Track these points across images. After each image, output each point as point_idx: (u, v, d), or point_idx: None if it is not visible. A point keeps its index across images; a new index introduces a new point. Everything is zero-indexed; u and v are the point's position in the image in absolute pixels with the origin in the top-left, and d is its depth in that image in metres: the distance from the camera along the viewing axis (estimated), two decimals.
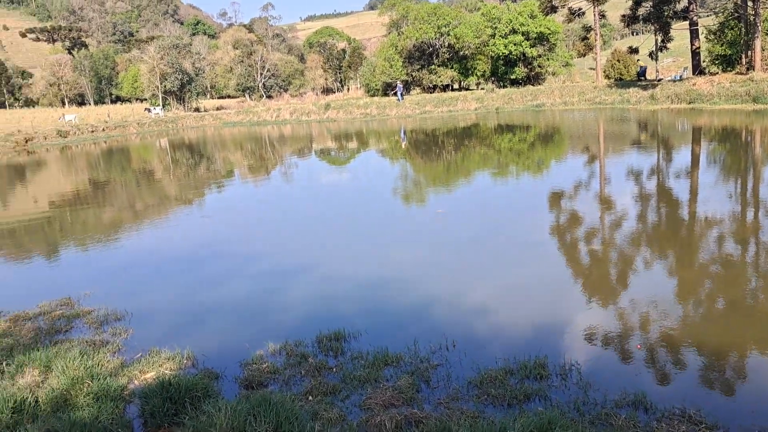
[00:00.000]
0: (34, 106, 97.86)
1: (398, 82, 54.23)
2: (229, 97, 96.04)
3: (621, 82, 43.55)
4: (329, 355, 6.78)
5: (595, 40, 47.30)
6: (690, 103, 32.68)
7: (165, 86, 63.92)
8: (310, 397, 5.85)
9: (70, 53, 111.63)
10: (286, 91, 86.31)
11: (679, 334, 6.72)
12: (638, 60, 50.66)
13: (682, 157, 20.47)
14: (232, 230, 13.99)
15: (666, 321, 7.08)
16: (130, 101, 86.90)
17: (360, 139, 35.94)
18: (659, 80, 40.58)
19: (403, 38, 60.25)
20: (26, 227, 16.48)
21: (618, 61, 53.65)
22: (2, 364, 6.63)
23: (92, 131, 48.10)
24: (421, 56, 58.99)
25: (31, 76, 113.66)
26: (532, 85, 55.21)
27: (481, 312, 7.88)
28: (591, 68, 72.66)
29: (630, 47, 45.69)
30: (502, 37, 56.27)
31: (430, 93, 57.76)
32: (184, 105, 67.01)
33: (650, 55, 44.52)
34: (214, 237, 13.39)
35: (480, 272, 9.57)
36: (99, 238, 14.15)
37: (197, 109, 67.29)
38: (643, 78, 45.33)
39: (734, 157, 19.10)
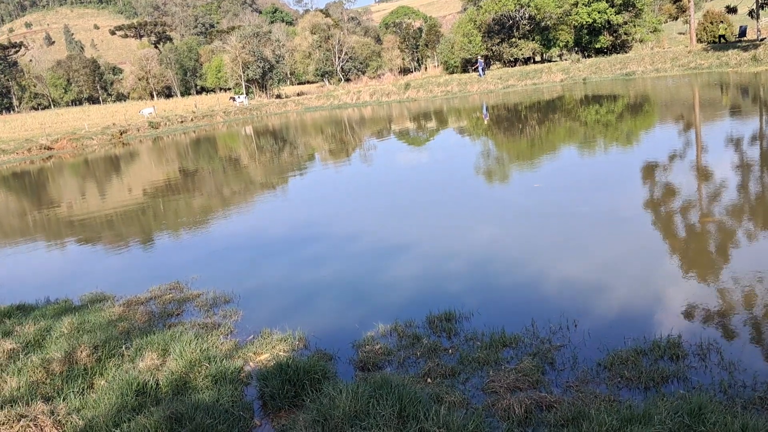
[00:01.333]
0: (125, 101, 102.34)
1: (479, 57, 53.21)
2: (308, 82, 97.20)
3: (718, 45, 41.04)
4: (442, 336, 6.56)
5: (689, 1, 44.64)
6: None
7: (247, 75, 65.18)
8: (429, 380, 5.65)
9: (156, 47, 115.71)
10: (363, 73, 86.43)
11: None
12: (724, 28, 47.45)
13: None
14: (322, 213, 13.98)
15: None
16: (215, 91, 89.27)
17: (440, 118, 35.48)
18: (762, 40, 37.92)
19: (481, 12, 59.10)
20: (127, 214, 17.07)
21: (711, 23, 50.58)
22: (122, 348, 6.75)
23: (181, 122, 49.64)
24: (501, 30, 57.67)
25: (121, 71, 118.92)
26: (618, 53, 52.91)
27: (597, 289, 7.46)
28: (680, 33, 69.06)
29: (727, 6, 42.94)
30: (585, 5, 54.24)
31: (512, 67, 56.42)
32: (266, 92, 68.20)
33: (750, 13, 41.70)
34: (307, 219, 13.41)
35: (588, 247, 9.11)
36: (197, 224, 14.48)
37: (278, 96, 68.37)
38: (743, 39, 42.53)
39: None
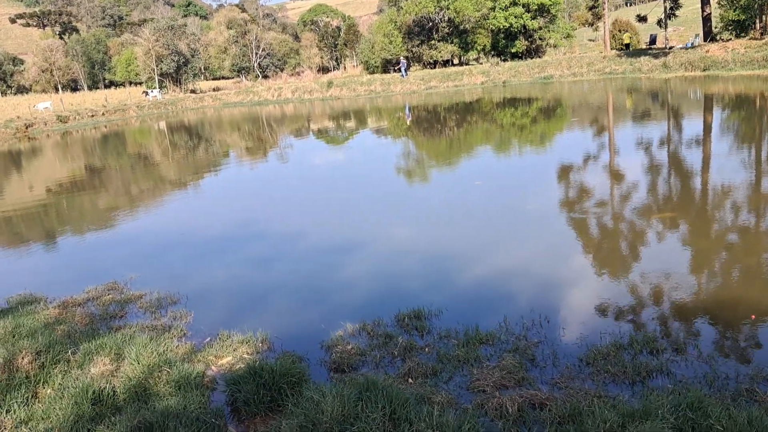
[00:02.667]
0: (27, 93, 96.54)
1: (402, 57, 53.37)
2: (223, 78, 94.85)
3: (631, 51, 42.90)
4: (414, 334, 6.37)
5: (603, 9, 46.45)
6: (705, 70, 32.08)
7: (161, 68, 62.91)
8: (410, 380, 5.45)
9: (61, 38, 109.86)
10: (282, 70, 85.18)
11: None
12: (629, 37, 49.84)
13: (701, 125, 20.02)
14: (254, 211, 13.52)
15: None
16: (124, 85, 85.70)
17: (362, 117, 35.36)
18: (670, 48, 39.93)
19: (402, 13, 59.35)
20: (40, 212, 15.98)
21: (619, 30, 52.92)
22: (67, 353, 6.19)
23: (92, 116, 47.24)
24: (421, 31, 58.11)
25: (22, 62, 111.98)
26: (532, 58, 54.47)
27: (561, 285, 7.47)
28: (590, 39, 71.90)
29: (638, 15, 44.90)
30: (503, 10, 55.38)
31: (431, 69, 56.98)
32: (180, 87, 66.07)
33: (658, 23, 43.82)
34: (239, 218, 12.90)
35: (538, 244, 9.16)
36: (121, 223, 13.70)
37: (193, 91, 66.34)
38: (653, 46, 44.68)
39: (749, 125, 18.59)
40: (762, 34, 33.87)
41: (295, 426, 4.60)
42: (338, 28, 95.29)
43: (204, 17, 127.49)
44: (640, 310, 6.47)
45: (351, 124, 32.79)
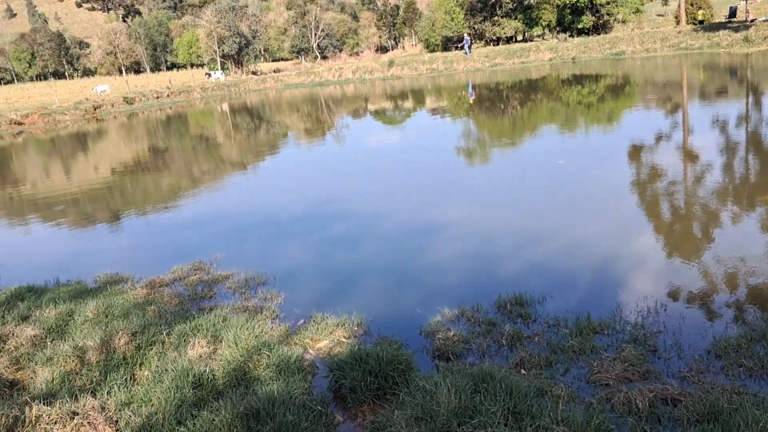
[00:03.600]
0: (92, 76, 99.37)
1: (465, 34, 52.41)
2: (282, 59, 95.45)
3: (708, 25, 40.95)
4: (518, 321, 6.02)
5: None
6: None
7: (223, 50, 63.57)
8: (523, 371, 5.12)
9: (124, 21, 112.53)
10: (340, 50, 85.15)
11: None
12: (702, 14, 47.48)
13: None
14: (332, 191, 13.32)
15: None
16: (185, 67, 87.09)
17: (423, 96, 34.83)
18: (752, 21, 37.88)
19: None
20: (131, 189, 16.21)
21: (692, 5, 50.56)
22: (162, 334, 6.09)
23: (157, 97, 48.12)
24: (484, 8, 57.00)
25: (88, 46, 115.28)
26: (599, 34, 52.67)
27: (673, 271, 6.98)
28: (659, 14, 69.14)
29: None
30: None
31: (495, 46, 55.86)
32: (241, 69, 66.67)
33: None
34: (317, 198, 12.74)
35: (640, 227, 8.65)
36: (202, 201, 13.72)
37: (254, 73, 66.87)
38: (733, 19, 42.50)
39: None
40: None
41: (410, 417, 4.34)
42: (397, 7, 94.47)
43: None
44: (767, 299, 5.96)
45: (425, 103, 32.34)
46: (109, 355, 5.79)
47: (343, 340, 5.98)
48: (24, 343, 6.21)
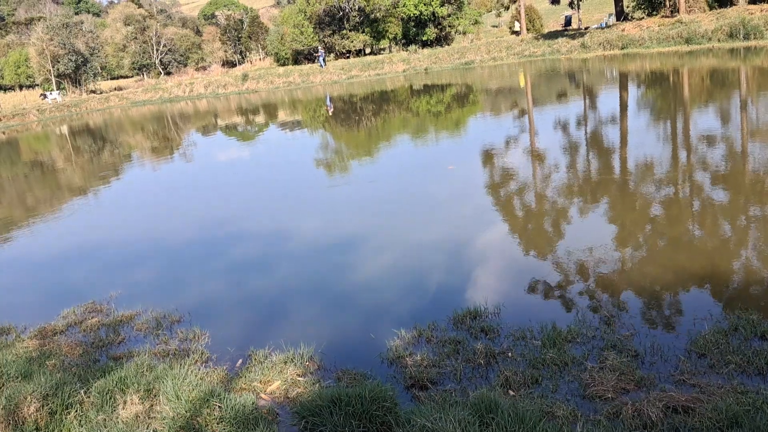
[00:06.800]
0: None
1: (319, 47, 52.24)
2: (122, 77, 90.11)
3: (547, 34, 43.63)
4: (482, 338, 5.65)
5: None
6: (622, 48, 32.87)
7: (58, 69, 58.81)
8: (511, 392, 4.74)
9: None
10: (185, 66, 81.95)
11: None
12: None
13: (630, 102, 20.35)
14: (220, 211, 12.38)
15: None
16: (13, 89, 79.68)
17: (284, 110, 34.16)
18: (586, 29, 40.84)
19: (311, 3, 58.21)
20: None
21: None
22: (78, 394, 5.07)
23: None
24: (332, 21, 57.22)
25: None
26: (441, 46, 54.76)
27: (614, 268, 6.94)
28: (493, 26, 72.97)
29: None
30: None
31: (346, 59, 56.15)
32: (80, 88, 62.06)
33: (570, 4, 44.84)
34: (208, 218, 11.74)
35: (562, 228, 8.66)
36: (76, 232, 12.21)
37: (93, 92, 62.48)
38: (568, 27, 45.66)
39: (664, 100, 18.97)
40: (672, 12, 35.13)
41: None
42: (241, 21, 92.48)
43: (97, 14, 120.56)
44: (720, 289, 6.03)
45: (292, 116, 31.53)
46: (18, 428, 4.72)
47: (299, 378, 5.30)
48: None
